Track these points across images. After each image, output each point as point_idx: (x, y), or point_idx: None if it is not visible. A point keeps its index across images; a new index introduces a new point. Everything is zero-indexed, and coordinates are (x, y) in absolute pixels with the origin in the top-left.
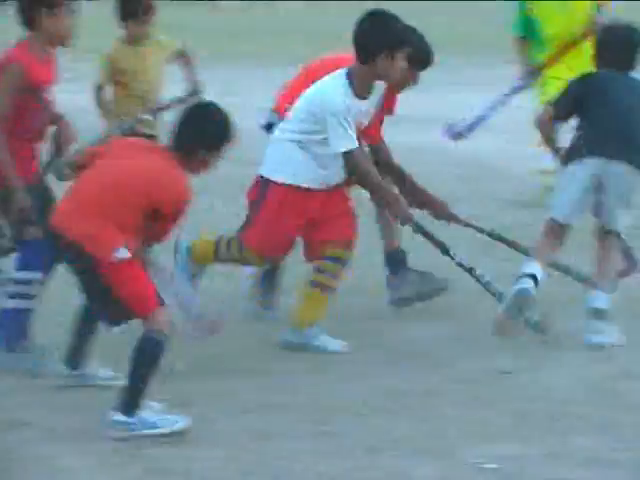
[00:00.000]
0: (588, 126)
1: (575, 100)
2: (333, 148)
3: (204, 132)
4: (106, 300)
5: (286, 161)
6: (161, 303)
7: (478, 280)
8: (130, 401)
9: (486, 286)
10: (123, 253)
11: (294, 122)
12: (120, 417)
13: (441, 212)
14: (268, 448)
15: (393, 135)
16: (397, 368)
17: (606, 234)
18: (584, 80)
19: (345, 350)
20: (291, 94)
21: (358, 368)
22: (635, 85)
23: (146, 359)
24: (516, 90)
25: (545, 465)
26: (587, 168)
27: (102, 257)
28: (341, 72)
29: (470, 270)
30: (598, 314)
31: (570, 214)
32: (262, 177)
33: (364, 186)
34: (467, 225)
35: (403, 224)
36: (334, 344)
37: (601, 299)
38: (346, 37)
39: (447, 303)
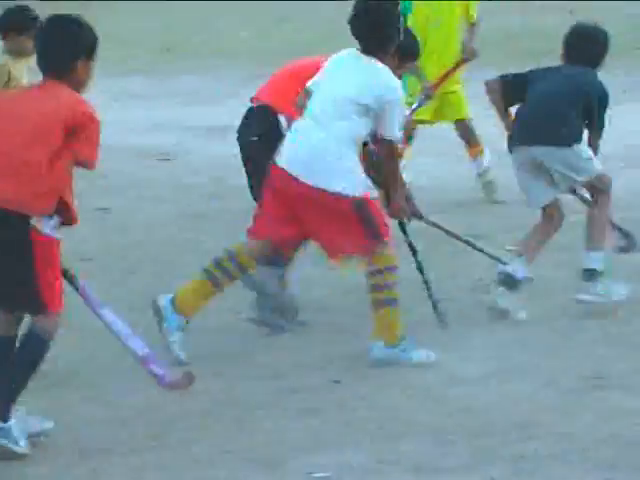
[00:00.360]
0: (517, 115)
1: (515, 89)
2: (389, 133)
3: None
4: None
5: (353, 169)
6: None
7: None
8: (6, 405)
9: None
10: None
11: (342, 118)
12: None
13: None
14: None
15: None
16: (229, 379)
17: (587, 201)
18: (528, 73)
19: (431, 359)
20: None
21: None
22: (574, 74)
23: (33, 358)
24: (416, 108)
25: (375, 472)
26: (522, 155)
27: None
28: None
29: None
30: (590, 274)
31: (538, 198)
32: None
33: (387, 176)
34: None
35: (409, 219)
36: (419, 354)
37: (594, 260)
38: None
39: None
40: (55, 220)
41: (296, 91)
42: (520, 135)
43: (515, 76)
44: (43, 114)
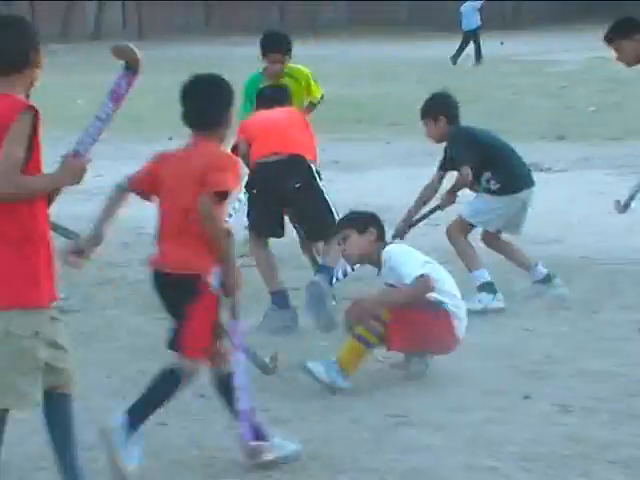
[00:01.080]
0: (507, 164)
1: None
2: None
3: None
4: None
5: None
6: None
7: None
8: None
9: None
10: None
11: None
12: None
13: None
14: None
15: None
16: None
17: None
18: (476, 139)
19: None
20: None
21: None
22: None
23: (166, 390)
24: None
25: None
26: (526, 195)
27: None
28: None
29: None
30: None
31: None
32: None
33: None
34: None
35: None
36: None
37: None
38: None
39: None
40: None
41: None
42: (526, 179)
43: (474, 151)
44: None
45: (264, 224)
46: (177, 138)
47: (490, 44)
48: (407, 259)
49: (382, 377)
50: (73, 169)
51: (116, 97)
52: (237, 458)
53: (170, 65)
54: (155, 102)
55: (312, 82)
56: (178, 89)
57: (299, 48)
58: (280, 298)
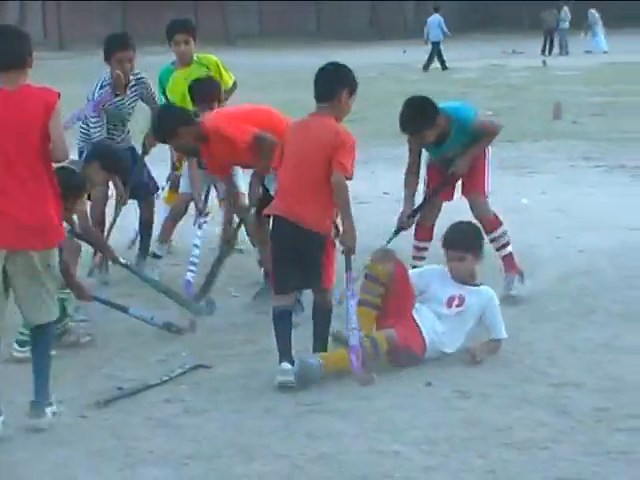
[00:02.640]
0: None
1: None
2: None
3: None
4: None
5: None
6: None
7: None
8: (323, 349)
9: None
10: None
11: None
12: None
13: None
14: None
15: None
16: None
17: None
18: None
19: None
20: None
21: None
22: None
23: (326, 320)
24: None
25: None
26: None
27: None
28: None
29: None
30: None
31: None
32: None
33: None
34: None
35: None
36: None
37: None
38: None
39: None
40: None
41: None
42: None
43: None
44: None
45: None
46: None
47: (394, 53)
48: (499, 313)
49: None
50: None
51: (96, 106)
52: (155, 448)
53: (91, 75)
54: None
55: (222, 70)
56: None
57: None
58: None
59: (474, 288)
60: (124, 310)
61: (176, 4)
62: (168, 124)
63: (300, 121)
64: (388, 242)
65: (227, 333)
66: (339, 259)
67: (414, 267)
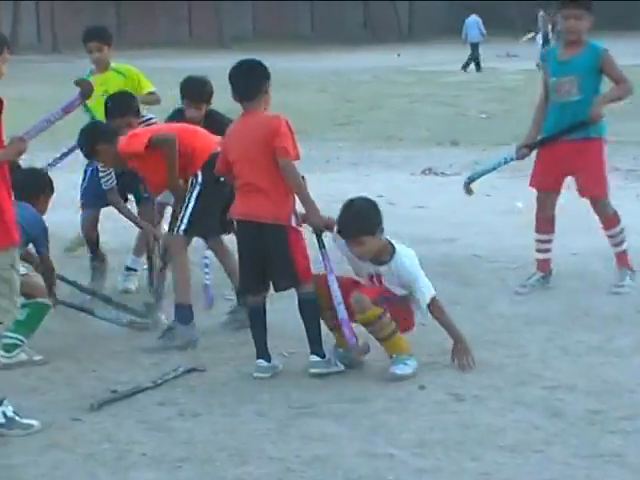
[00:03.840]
0: None
1: None
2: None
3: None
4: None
5: None
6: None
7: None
8: (318, 343)
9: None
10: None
11: None
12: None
13: None
14: None
15: None
16: None
17: None
18: None
19: None
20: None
21: None
22: None
23: (313, 313)
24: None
25: None
26: None
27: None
28: None
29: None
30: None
31: None
32: None
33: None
34: None
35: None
36: None
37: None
38: None
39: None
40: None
41: None
42: None
43: None
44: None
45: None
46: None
47: (388, 56)
48: (418, 271)
49: (287, 370)
50: (18, 147)
51: (67, 109)
52: (148, 451)
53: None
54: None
55: (143, 79)
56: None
57: (207, 60)
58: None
59: (385, 265)
60: (91, 312)
61: (169, 6)
62: (89, 140)
63: (235, 125)
64: (488, 170)
65: (220, 336)
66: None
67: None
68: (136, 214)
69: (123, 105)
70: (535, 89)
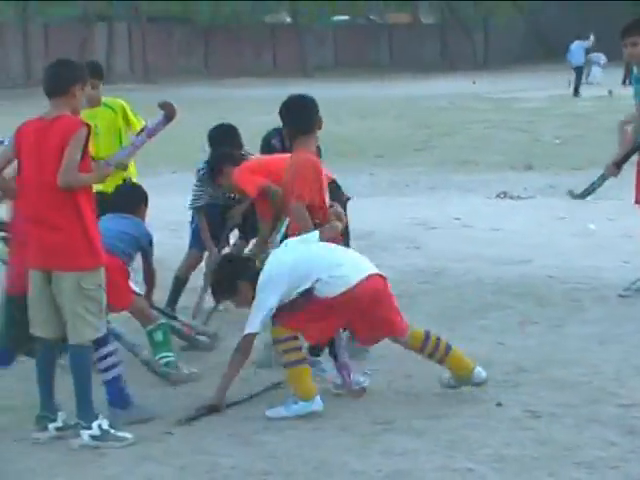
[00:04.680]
0: None
1: None
2: None
3: None
4: None
5: None
6: None
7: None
8: None
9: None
10: None
11: None
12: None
13: None
14: None
15: None
16: None
17: None
18: None
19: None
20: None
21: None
22: None
23: None
24: None
25: None
26: None
27: None
28: None
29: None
30: None
31: None
32: None
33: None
34: None
35: None
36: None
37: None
38: None
39: None
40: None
41: None
42: None
43: None
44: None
45: None
46: (180, 172)
47: (464, 83)
48: (256, 302)
49: (368, 387)
50: (103, 172)
51: (151, 133)
52: (236, 464)
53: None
54: (159, 138)
55: (130, 113)
56: (180, 126)
57: (291, 88)
58: None
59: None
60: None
61: (255, 36)
62: (218, 161)
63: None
64: (594, 187)
65: None
66: None
67: None
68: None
69: (227, 137)
70: (606, 115)
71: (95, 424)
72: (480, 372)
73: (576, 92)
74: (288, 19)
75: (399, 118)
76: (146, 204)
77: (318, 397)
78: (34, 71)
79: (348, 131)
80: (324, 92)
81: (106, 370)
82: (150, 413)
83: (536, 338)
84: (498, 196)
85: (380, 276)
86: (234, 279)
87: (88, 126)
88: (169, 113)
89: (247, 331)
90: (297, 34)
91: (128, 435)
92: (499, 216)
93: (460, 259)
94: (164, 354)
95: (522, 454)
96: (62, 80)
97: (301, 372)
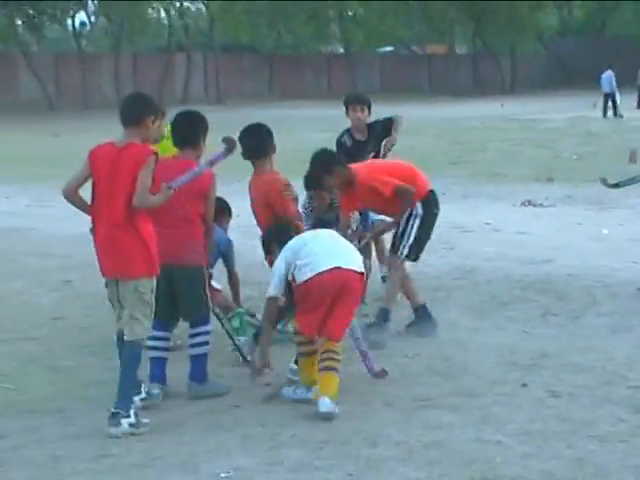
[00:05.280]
0: None
1: None
2: None
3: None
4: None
5: None
6: None
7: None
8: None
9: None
10: None
11: None
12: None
13: None
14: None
15: None
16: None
17: None
18: None
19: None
20: None
21: None
22: None
23: None
24: None
25: (265, 472)
26: None
27: None
28: None
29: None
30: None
31: None
32: None
33: None
34: None
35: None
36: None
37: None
38: None
39: None
40: None
41: None
42: None
43: None
44: None
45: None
46: (244, 181)
47: (493, 106)
48: (273, 268)
49: (409, 369)
50: (165, 195)
51: (212, 162)
52: (296, 433)
53: (242, 124)
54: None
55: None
56: None
57: (343, 109)
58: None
59: None
60: (253, 315)
61: (313, 61)
62: (325, 162)
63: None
64: (624, 183)
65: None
66: None
67: None
68: None
69: (327, 162)
70: (617, 135)
71: (132, 412)
72: (325, 403)
73: (615, 114)
74: (341, 49)
75: (437, 136)
76: (230, 214)
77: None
78: (123, 94)
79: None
80: (373, 113)
81: (199, 346)
82: (224, 389)
83: (557, 328)
84: (523, 204)
85: (355, 273)
86: (271, 241)
87: (156, 154)
88: (230, 147)
89: (266, 296)
90: (349, 62)
91: (147, 420)
92: (524, 222)
93: (490, 258)
94: (244, 338)
95: (544, 428)
96: (137, 111)
97: (305, 363)
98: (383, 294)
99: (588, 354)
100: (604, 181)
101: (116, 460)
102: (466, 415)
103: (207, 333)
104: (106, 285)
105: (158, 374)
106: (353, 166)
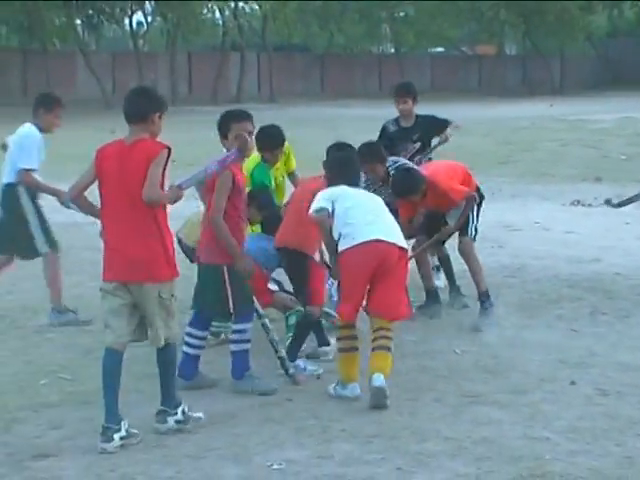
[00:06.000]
0: None
1: None
2: None
3: None
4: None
5: None
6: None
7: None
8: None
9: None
10: None
11: None
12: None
13: None
14: None
15: None
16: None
17: None
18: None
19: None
20: None
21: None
22: None
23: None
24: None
25: (316, 465)
26: None
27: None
28: None
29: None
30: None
31: None
32: None
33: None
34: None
35: None
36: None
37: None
38: None
39: None
40: None
41: None
42: None
43: None
44: None
45: None
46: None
47: (542, 106)
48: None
49: (458, 365)
50: (174, 194)
51: (223, 164)
52: (346, 427)
53: (294, 121)
54: None
55: (292, 155)
56: (300, 139)
57: (393, 109)
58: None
59: None
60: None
61: (364, 64)
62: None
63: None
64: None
65: (403, 333)
66: None
67: None
68: None
69: (373, 154)
70: None
71: (179, 410)
72: (379, 377)
73: None
74: (392, 49)
75: (486, 136)
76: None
77: (354, 384)
78: (179, 92)
79: (443, 146)
80: (421, 112)
81: (234, 343)
82: (265, 387)
83: (605, 326)
84: (572, 204)
85: (396, 247)
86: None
87: (169, 149)
88: (242, 147)
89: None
90: (399, 62)
91: (201, 415)
92: (573, 221)
93: (539, 257)
94: (292, 333)
95: (593, 426)
96: (143, 108)
97: (344, 359)
98: (475, 279)
99: (636, 353)
100: (609, 202)
101: (170, 451)
102: (515, 412)
103: (243, 331)
104: (103, 291)
105: (188, 371)
106: (429, 172)
